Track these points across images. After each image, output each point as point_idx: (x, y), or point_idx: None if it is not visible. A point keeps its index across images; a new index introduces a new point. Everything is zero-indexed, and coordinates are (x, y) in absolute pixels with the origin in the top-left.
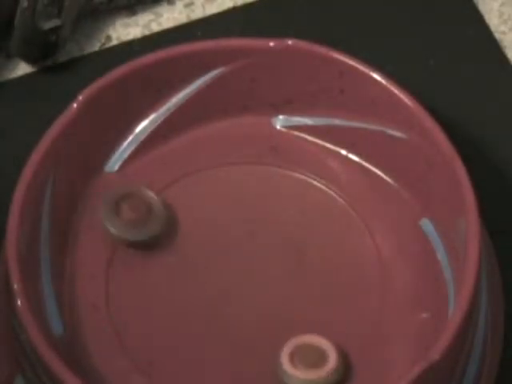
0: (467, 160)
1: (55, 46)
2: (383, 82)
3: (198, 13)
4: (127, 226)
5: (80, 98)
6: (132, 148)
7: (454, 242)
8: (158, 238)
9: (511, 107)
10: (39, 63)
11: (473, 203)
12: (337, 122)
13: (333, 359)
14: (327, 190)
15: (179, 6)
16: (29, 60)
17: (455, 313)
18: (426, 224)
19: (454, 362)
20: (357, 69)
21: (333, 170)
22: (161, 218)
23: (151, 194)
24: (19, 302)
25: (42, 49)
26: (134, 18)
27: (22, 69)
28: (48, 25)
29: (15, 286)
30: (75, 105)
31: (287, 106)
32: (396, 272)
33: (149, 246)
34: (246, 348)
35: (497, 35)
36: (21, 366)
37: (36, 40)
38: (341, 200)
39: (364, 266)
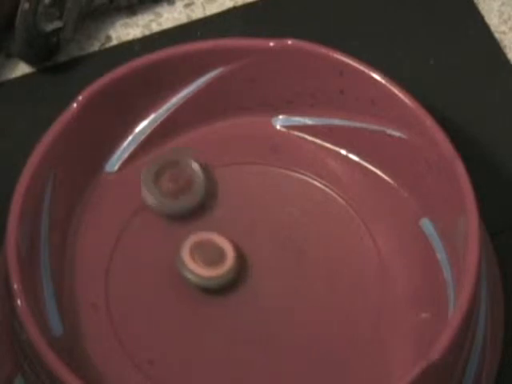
0: (467, 160)
1: (56, 48)
2: (383, 81)
3: (198, 13)
4: (166, 197)
5: (80, 98)
6: (132, 148)
7: (454, 242)
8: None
9: (511, 107)
10: (40, 64)
11: (472, 203)
12: (337, 121)
13: (230, 258)
14: (327, 189)
15: (179, 6)
16: (30, 61)
17: (455, 313)
18: (426, 224)
19: (454, 361)
20: (357, 69)
21: (332, 170)
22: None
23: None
24: (19, 302)
25: (43, 50)
26: (134, 18)
27: (22, 69)
28: (49, 27)
29: (15, 286)
30: (75, 105)
31: (287, 105)
32: (396, 271)
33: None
34: (246, 348)
35: (497, 35)
36: (21, 366)
37: (37, 42)
38: (340, 199)
39: (364, 266)
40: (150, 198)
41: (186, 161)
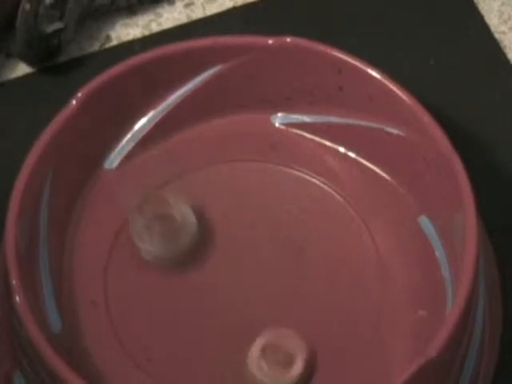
0: (467, 160)
1: (57, 49)
2: (381, 79)
3: (197, 13)
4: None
5: (79, 95)
6: (131, 145)
7: (452, 240)
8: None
9: (511, 107)
10: (40, 65)
11: (470, 200)
12: (335, 119)
13: (299, 364)
14: (325, 187)
15: (179, 6)
16: (31, 62)
17: (453, 310)
18: (424, 221)
19: (452, 359)
20: (355, 66)
21: (331, 168)
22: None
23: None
24: (18, 299)
25: (44, 51)
26: (134, 19)
27: (22, 69)
28: (50, 28)
29: (14, 283)
30: (74, 102)
31: (286, 103)
32: (394, 269)
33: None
34: (245, 347)
35: (497, 35)
36: (20, 363)
37: (38, 43)
38: (338, 197)
39: (362, 263)
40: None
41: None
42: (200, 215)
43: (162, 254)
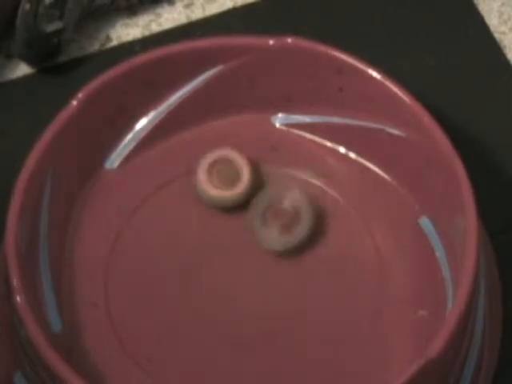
0: (467, 160)
1: (57, 49)
2: (382, 79)
3: (197, 13)
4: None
5: (80, 95)
6: (132, 145)
7: (453, 240)
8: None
9: (511, 107)
10: (40, 65)
11: (471, 200)
12: (336, 119)
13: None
14: (326, 187)
15: (179, 6)
16: (31, 62)
17: (453, 311)
18: (425, 222)
19: (452, 359)
20: (355, 66)
21: (331, 168)
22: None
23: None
24: (18, 299)
25: (44, 51)
26: (134, 19)
27: (22, 69)
28: (50, 27)
29: (14, 283)
30: (75, 102)
31: (286, 103)
32: (394, 270)
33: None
34: (244, 346)
35: (497, 35)
36: (20, 363)
37: (38, 43)
38: (339, 198)
39: (362, 264)
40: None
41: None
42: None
43: None
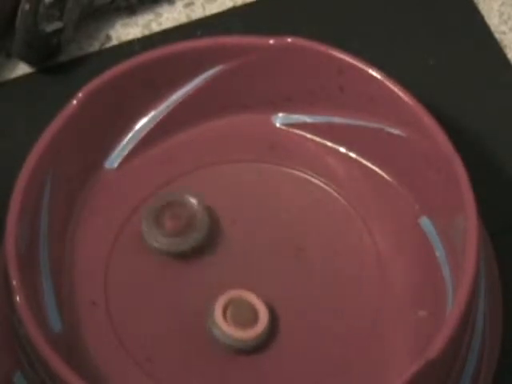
0: (467, 160)
1: (57, 48)
2: (382, 79)
3: (197, 13)
4: (169, 237)
5: (80, 94)
6: (132, 145)
7: (453, 240)
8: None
9: (511, 107)
10: (40, 64)
11: (471, 200)
12: (336, 119)
13: (263, 320)
14: (326, 187)
15: (179, 5)
16: (31, 62)
17: (453, 311)
18: (425, 222)
19: (452, 359)
20: (356, 66)
21: (332, 168)
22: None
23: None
24: (18, 299)
25: (44, 51)
26: (134, 18)
27: (22, 69)
28: (50, 27)
29: (14, 283)
30: (75, 101)
31: (286, 103)
32: (394, 270)
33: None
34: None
35: (497, 35)
36: (20, 362)
37: (38, 42)
38: (340, 197)
39: (363, 264)
40: (152, 240)
41: (187, 198)
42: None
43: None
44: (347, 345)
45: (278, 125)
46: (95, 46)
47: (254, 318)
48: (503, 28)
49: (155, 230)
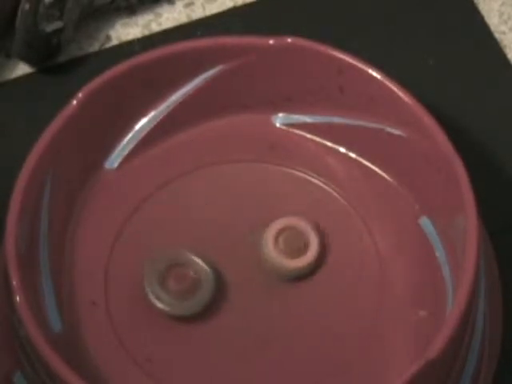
0: (467, 160)
1: (57, 49)
2: (382, 79)
3: (198, 13)
4: (174, 299)
5: (80, 95)
6: (132, 145)
7: (453, 240)
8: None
9: (511, 107)
10: (40, 64)
11: (471, 200)
12: (336, 119)
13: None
14: (326, 187)
15: (179, 5)
16: (31, 62)
17: (453, 311)
18: (425, 222)
19: (452, 360)
20: (356, 66)
21: (332, 168)
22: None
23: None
24: (18, 299)
25: (44, 51)
26: (133, 18)
27: (22, 69)
28: (50, 27)
29: (14, 283)
30: (75, 102)
31: (286, 103)
32: (394, 270)
33: None
34: (245, 344)
35: (497, 35)
36: (20, 362)
37: (38, 42)
38: (339, 198)
39: (362, 264)
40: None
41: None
42: (199, 215)
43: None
44: (347, 345)
45: (277, 125)
46: (95, 46)
47: None
48: (503, 28)
49: None
